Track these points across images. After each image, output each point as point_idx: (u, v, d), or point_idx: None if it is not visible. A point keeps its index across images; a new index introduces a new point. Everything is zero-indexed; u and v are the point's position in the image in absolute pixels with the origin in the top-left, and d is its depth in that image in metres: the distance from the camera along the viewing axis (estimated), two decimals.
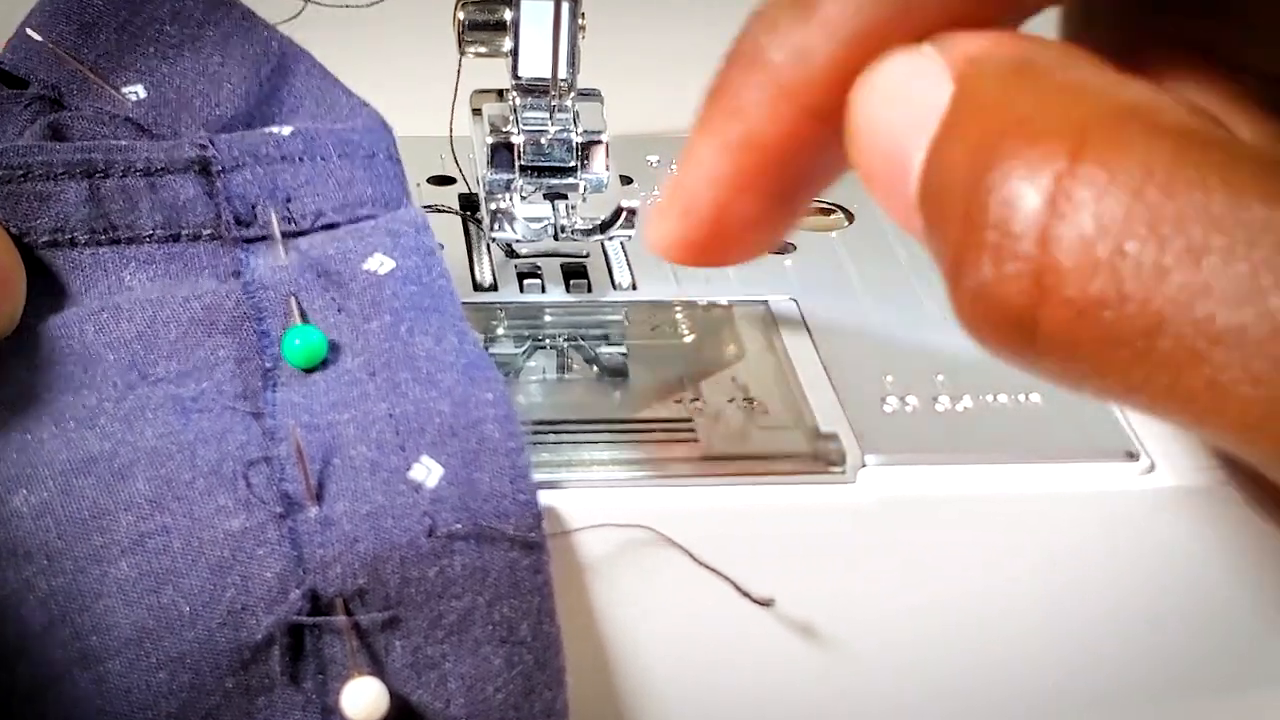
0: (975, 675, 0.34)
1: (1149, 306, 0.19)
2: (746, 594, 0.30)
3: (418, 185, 0.41)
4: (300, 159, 0.33)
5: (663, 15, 0.54)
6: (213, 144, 0.33)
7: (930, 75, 0.22)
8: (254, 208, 0.33)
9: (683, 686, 0.33)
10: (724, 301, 0.37)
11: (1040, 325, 0.20)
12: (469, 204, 0.40)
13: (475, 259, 0.38)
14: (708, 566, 0.30)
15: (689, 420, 0.33)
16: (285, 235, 0.32)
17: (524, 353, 0.35)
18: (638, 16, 0.53)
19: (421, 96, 0.38)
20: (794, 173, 0.26)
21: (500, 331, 0.36)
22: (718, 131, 0.26)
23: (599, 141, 0.37)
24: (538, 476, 0.31)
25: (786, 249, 0.39)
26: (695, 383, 0.34)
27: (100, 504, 0.28)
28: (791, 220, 0.28)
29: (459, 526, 0.28)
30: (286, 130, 0.33)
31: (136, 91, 0.34)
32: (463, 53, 0.36)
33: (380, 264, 0.32)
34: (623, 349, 0.35)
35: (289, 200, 0.33)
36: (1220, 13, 0.24)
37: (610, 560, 0.31)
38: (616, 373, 0.35)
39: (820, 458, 0.32)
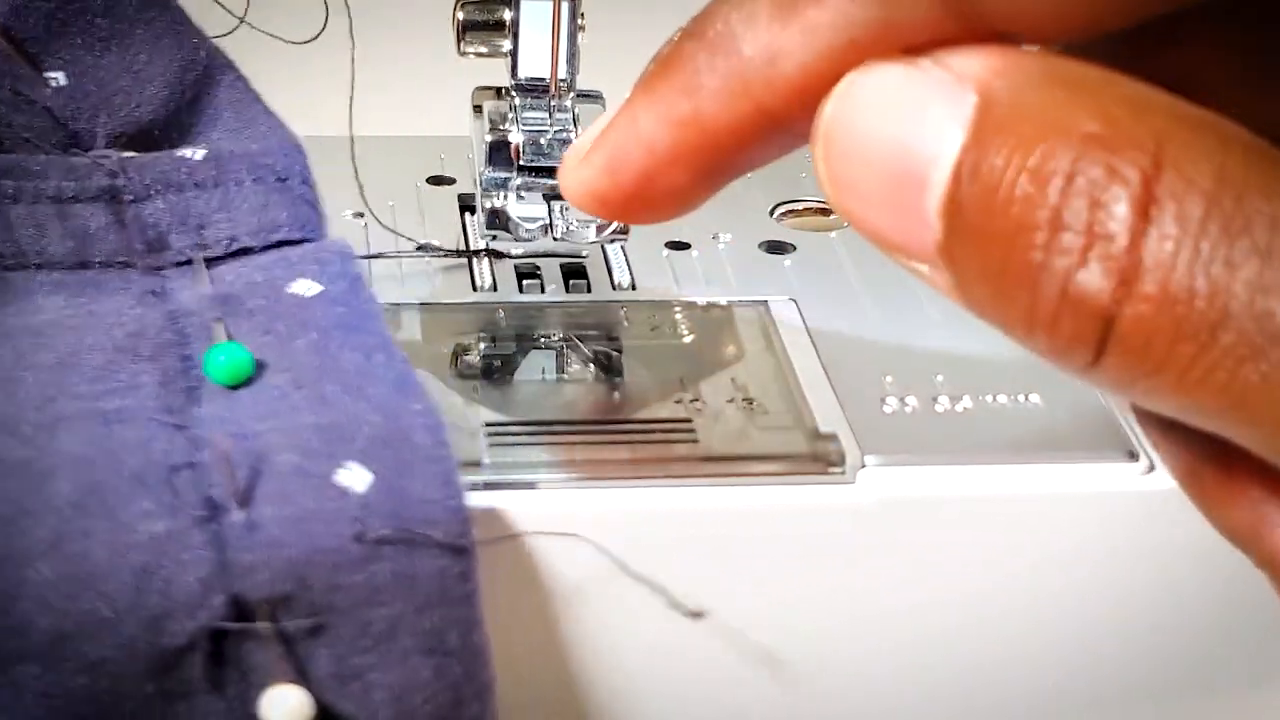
0: (975, 675, 0.34)
1: (1216, 302, 0.20)
2: (677, 606, 0.30)
3: (417, 185, 0.41)
4: (213, 185, 0.33)
5: (663, 15, 0.54)
6: (124, 171, 0.32)
7: (941, 87, 0.22)
8: (166, 235, 0.32)
9: (676, 690, 0.33)
10: (723, 302, 0.37)
11: (1117, 323, 0.20)
12: (469, 204, 0.40)
13: (474, 259, 0.38)
14: (639, 577, 0.30)
15: (688, 420, 0.33)
16: (204, 261, 0.32)
17: (523, 353, 0.35)
18: (638, 16, 0.53)
19: (421, 96, 0.38)
20: (731, 158, 0.26)
21: (500, 331, 0.36)
22: (666, 103, 0.26)
23: None
24: (538, 477, 0.31)
25: (786, 249, 0.39)
26: (694, 383, 0.34)
27: (21, 506, 0.27)
28: (711, 193, 0.28)
29: (387, 531, 0.27)
30: (199, 154, 0.33)
31: (57, 78, 0.34)
32: (462, 53, 0.36)
33: (307, 288, 0.32)
34: (622, 349, 0.35)
35: (202, 227, 0.33)
36: (1212, 59, 0.25)
37: (582, 565, 0.31)
38: (615, 373, 0.35)
39: (820, 458, 0.32)
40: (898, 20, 0.23)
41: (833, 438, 0.32)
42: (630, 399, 0.34)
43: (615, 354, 0.35)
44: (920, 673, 0.33)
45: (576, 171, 0.27)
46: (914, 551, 0.32)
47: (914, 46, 0.23)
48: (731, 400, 0.34)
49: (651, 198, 0.27)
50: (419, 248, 0.38)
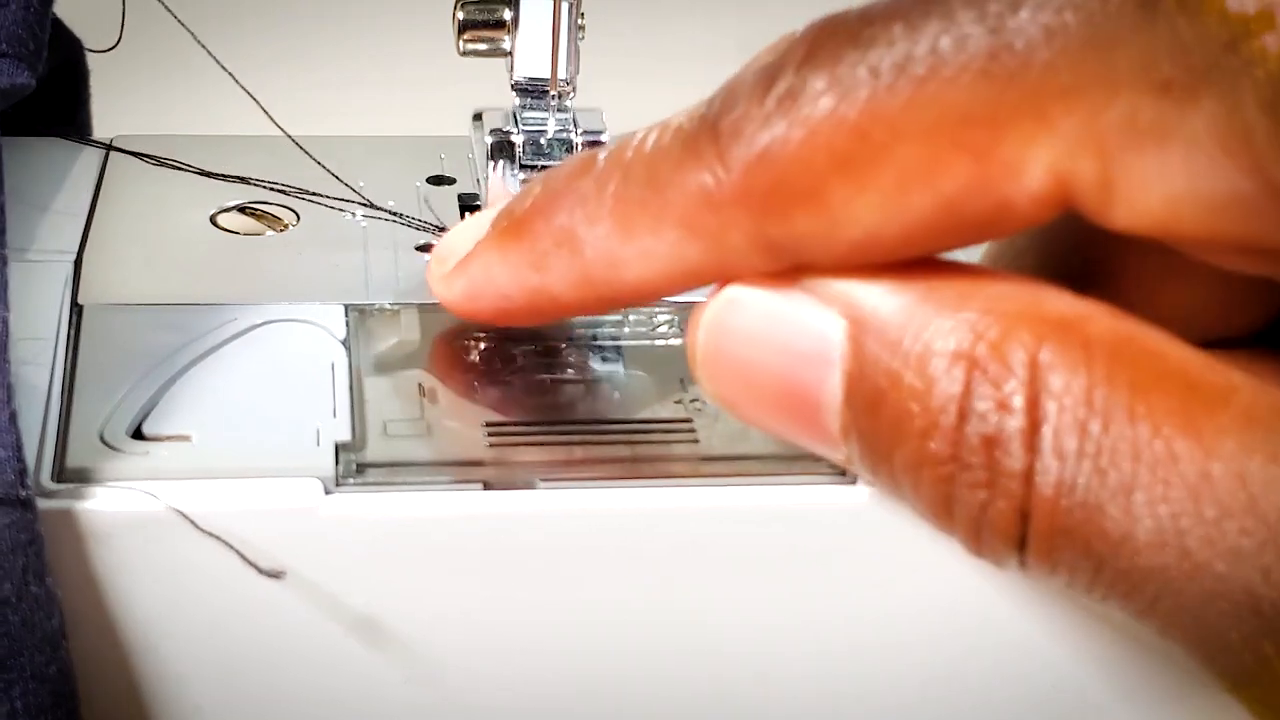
0: (974, 675, 0.34)
1: (1095, 534, 0.21)
2: (254, 565, 0.29)
3: (417, 185, 0.41)
4: None
5: (663, 15, 0.54)
6: None
7: (809, 311, 0.23)
8: None
9: (675, 691, 0.33)
10: None
11: (1027, 544, 0.22)
12: (469, 204, 0.40)
13: None
14: (212, 535, 0.29)
15: (689, 420, 0.33)
16: None
17: (523, 353, 0.35)
18: (638, 16, 0.53)
19: (420, 97, 0.38)
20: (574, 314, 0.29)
21: (500, 331, 0.35)
22: (518, 271, 0.27)
23: (599, 142, 0.37)
24: (538, 477, 0.31)
25: None
26: (695, 383, 0.34)
27: None
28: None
29: None
30: None
31: None
32: (462, 52, 0.36)
33: None
34: (622, 349, 0.35)
35: None
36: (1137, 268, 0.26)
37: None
38: (615, 373, 0.35)
39: (820, 458, 0.32)
40: (730, 264, 0.24)
41: None
42: (630, 399, 0.34)
43: (615, 354, 0.35)
44: (920, 672, 0.33)
45: (442, 283, 0.29)
46: (915, 552, 0.32)
47: (747, 273, 0.25)
48: None
49: (512, 321, 0.29)
50: (419, 248, 0.38)
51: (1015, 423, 0.21)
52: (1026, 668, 0.34)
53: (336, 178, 0.39)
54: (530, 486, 0.31)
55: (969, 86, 0.21)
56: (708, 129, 0.24)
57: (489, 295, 0.28)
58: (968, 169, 0.22)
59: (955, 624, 0.33)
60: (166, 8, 0.37)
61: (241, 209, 0.39)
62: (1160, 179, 0.21)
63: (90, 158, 0.41)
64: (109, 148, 0.41)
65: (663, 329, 0.36)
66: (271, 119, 0.38)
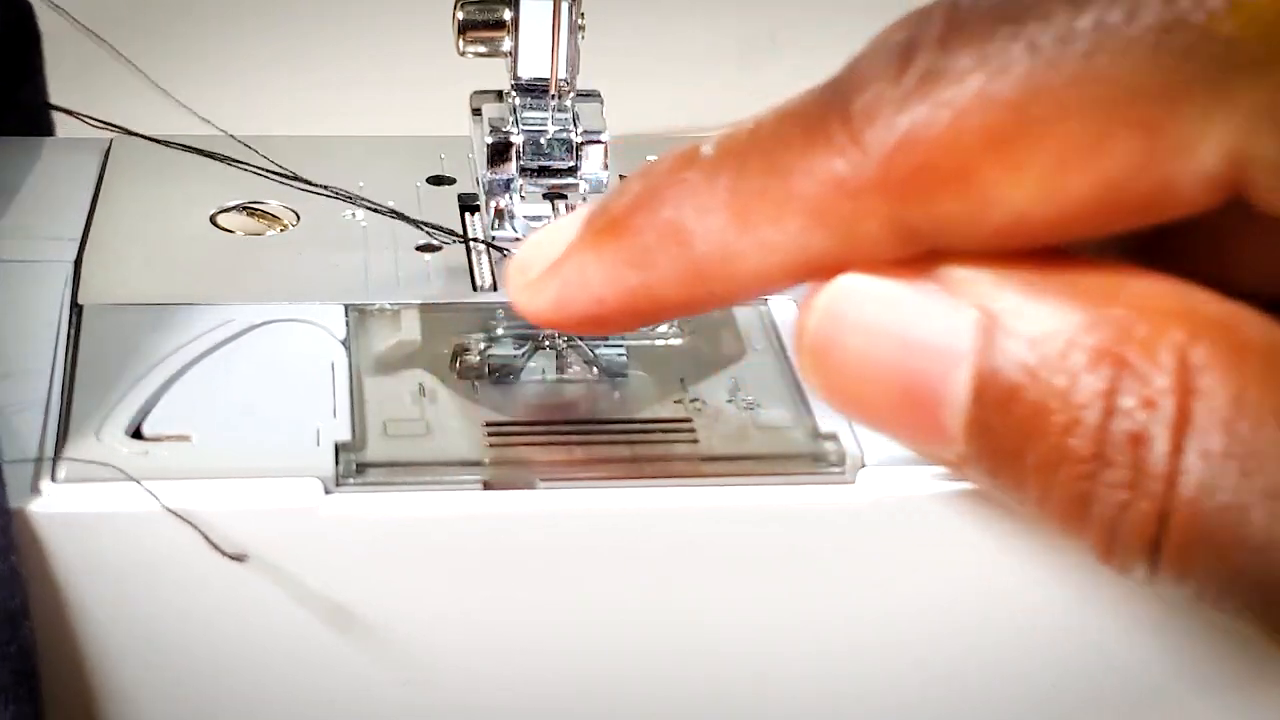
0: (975, 675, 0.34)
1: (1233, 541, 0.21)
2: (217, 548, 0.29)
3: (417, 185, 0.41)
4: None
5: (663, 15, 0.54)
6: None
7: (936, 302, 0.22)
8: None
9: (674, 691, 0.33)
10: None
11: (1161, 549, 0.21)
12: (469, 204, 0.40)
13: (474, 259, 0.38)
14: (175, 514, 0.29)
15: (689, 420, 0.33)
16: None
17: (524, 353, 0.35)
18: (638, 16, 0.53)
19: (420, 97, 0.38)
20: (681, 315, 0.28)
21: (500, 332, 0.36)
22: (616, 271, 0.26)
23: (599, 141, 0.37)
24: (539, 477, 0.31)
25: None
26: (695, 383, 0.34)
27: None
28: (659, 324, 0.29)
29: None
30: None
31: None
32: (462, 53, 0.36)
33: None
34: (622, 349, 0.35)
35: None
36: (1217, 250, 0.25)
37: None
38: (616, 373, 0.35)
39: (820, 458, 0.32)
40: (858, 252, 0.23)
41: (833, 438, 0.32)
42: (630, 399, 0.34)
43: (615, 354, 0.35)
44: (920, 672, 0.33)
45: (527, 292, 0.28)
46: (914, 552, 0.32)
47: (881, 262, 0.23)
48: (731, 400, 0.34)
49: (600, 329, 0.28)
50: (419, 248, 0.38)
51: (1162, 421, 0.20)
52: (1026, 667, 0.34)
53: (327, 191, 0.39)
54: (530, 486, 0.31)
55: (1141, 59, 0.20)
56: (837, 112, 0.23)
57: (582, 300, 0.27)
58: (1136, 145, 0.21)
59: (955, 624, 0.33)
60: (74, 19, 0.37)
61: (241, 209, 0.39)
62: None
63: (90, 158, 0.41)
64: (120, 130, 0.41)
65: (663, 329, 0.36)
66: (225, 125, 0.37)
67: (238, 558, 0.30)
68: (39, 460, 0.30)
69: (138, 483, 0.29)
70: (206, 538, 0.29)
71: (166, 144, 0.40)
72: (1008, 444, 0.22)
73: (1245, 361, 0.20)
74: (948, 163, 0.22)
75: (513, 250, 0.37)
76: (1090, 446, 0.21)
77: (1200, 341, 0.20)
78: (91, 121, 0.38)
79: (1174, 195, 0.21)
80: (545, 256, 0.28)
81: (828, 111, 0.23)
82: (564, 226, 0.28)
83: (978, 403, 0.22)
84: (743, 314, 0.36)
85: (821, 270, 0.24)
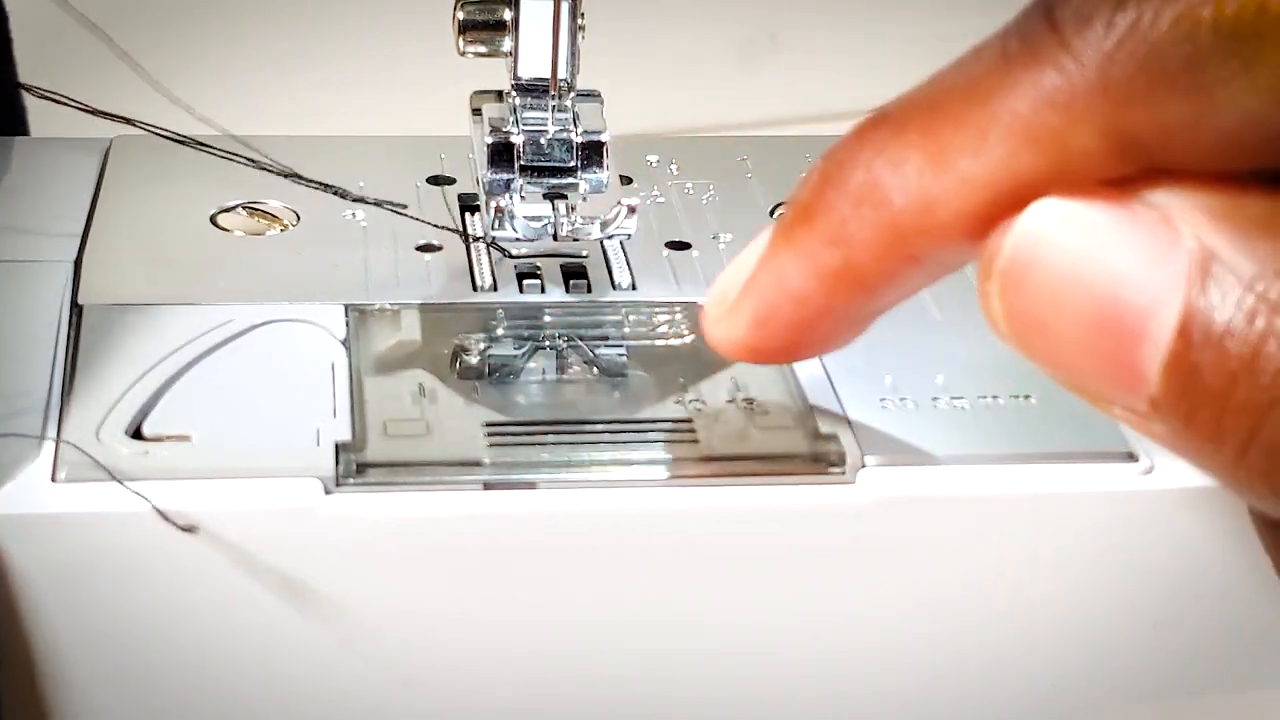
0: (975, 675, 0.34)
1: None
2: (170, 520, 0.29)
3: (417, 185, 0.41)
4: None
5: (663, 15, 0.54)
6: None
7: (1150, 230, 0.21)
8: None
9: (673, 691, 0.33)
10: None
11: None
12: (469, 204, 0.40)
13: (474, 259, 0.38)
14: (134, 491, 0.29)
15: (689, 420, 0.33)
16: None
17: (524, 354, 0.35)
18: (638, 16, 0.53)
19: (420, 96, 0.38)
20: (884, 302, 0.26)
21: (500, 332, 0.36)
22: (812, 256, 0.25)
23: (599, 141, 0.37)
24: (538, 477, 0.31)
25: None
26: (695, 383, 0.34)
27: None
28: (861, 331, 0.27)
29: None
30: None
31: None
32: (462, 53, 0.36)
33: None
34: (622, 349, 0.35)
35: None
36: None
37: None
38: (616, 373, 0.35)
39: (820, 458, 0.32)
40: (1068, 169, 0.22)
41: (833, 438, 0.32)
42: (631, 399, 0.34)
43: (615, 354, 0.35)
44: (920, 672, 0.33)
45: (724, 323, 0.27)
46: (914, 551, 0.32)
47: (1087, 184, 0.22)
48: (731, 400, 0.34)
49: (799, 346, 0.27)
50: (419, 248, 0.38)
51: None
52: (1026, 667, 0.34)
53: (316, 183, 0.39)
54: (530, 486, 0.31)
55: None
56: (1042, 24, 0.22)
57: (782, 307, 0.26)
58: None
59: (955, 623, 0.33)
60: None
61: (242, 209, 0.39)
62: None
63: (90, 158, 0.41)
64: (94, 112, 0.41)
65: (663, 329, 0.36)
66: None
67: (188, 529, 0.29)
68: (38, 460, 0.30)
69: (120, 482, 0.29)
70: (157, 509, 0.29)
71: (158, 132, 0.40)
72: (1212, 385, 0.20)
73: None
74: (1174, 58, 0.20)
75: (513, 250, 0.38)
76: None
77: None
78: (67, 101, 0.38)
79: None
80: (738, 281, 0.27)
81: (1030, 29, 0.22)
82: (754, 246, 0.27)
83: (1183, 339, 0.20)
84: None
85: (1028, 194, 0.22)
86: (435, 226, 0.38)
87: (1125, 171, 0.22)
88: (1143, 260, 0.21)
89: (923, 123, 0.23)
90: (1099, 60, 0.21)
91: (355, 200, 0.38)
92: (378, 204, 0.38)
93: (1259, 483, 0.20)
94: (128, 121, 0.38)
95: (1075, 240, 0.22)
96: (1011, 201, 0.22)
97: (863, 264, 0.24)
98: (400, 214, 0.38)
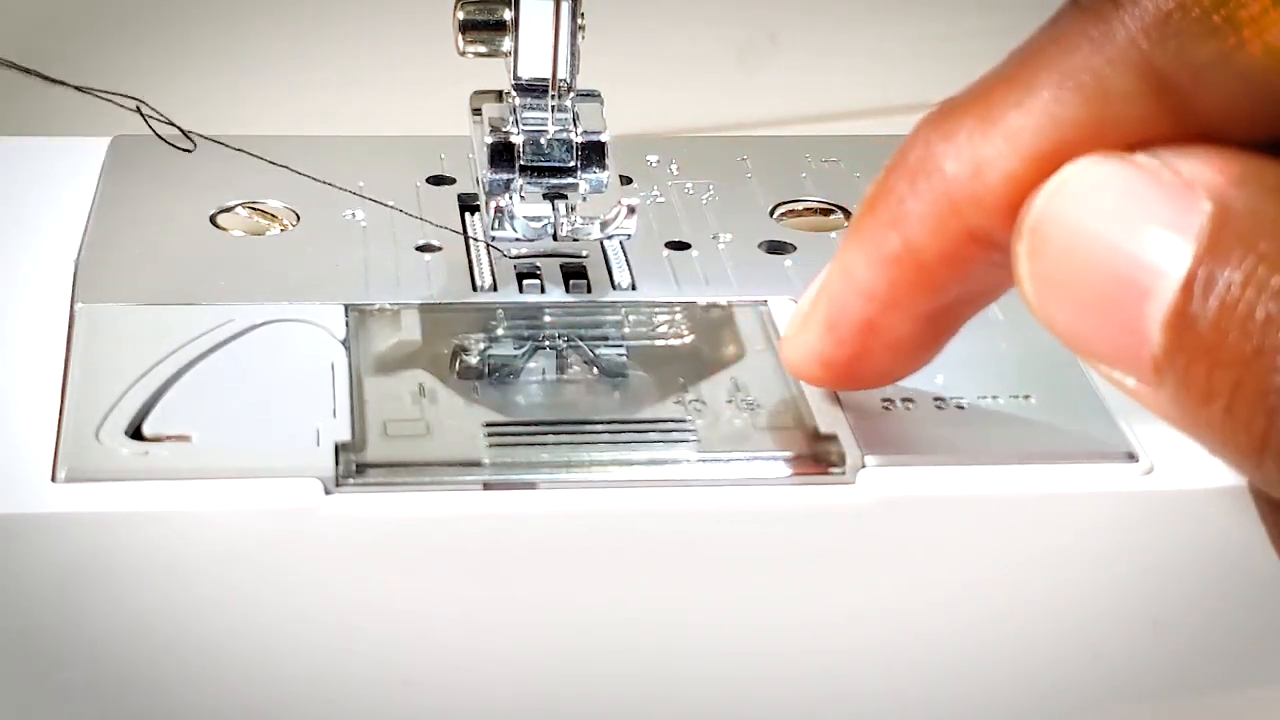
0: (975, 675, 0.34)
1: None
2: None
3: (417, 185, 0.41)
4: None
5: (663, 15, 0.54)
6: None
7: (1170, 191, 0.21)
8: None
9: (674, 691, 0.33)
10: (724, 302, 0.37)
11: None
12: (469, 204, 0.40)
13: (474, 259, 0.38)
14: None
15: (689, 420, 0.33)
16: None
17: (524, 354, 0.35)
18: (638, 16, 0.53)
19: (420, 96, 0.38)
20: (948, 294, 0.25)
21: (500, 332, 0.36)
22: (874, 242, 0.25)
23: (599, 141, 0.37)
24: (538, 477, 0.31)
25: (786, 249, 0.39)
26: (695, 383, 0.34)
27: None
28: (936, 347, 0.27)
29: None
30: None
31: None
32: (462, 53, 0.36)
33: None
34: (622, 349, 0.35)
35: None
36: None
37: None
38: (616, 373, 0.35)
39: (820, 458, 0.32)
40: (1108, 118, 0.22)
41: (833, 438, 0.32)
42: (630, 399, 0.34)
43: (615, 354, 0.35)
44: (920, 672, 0.33)
45: (798, 339, 0.27)
46: (914, 551, 0.32)
47: (1128, 143, 0.22)
48: (731, 400, 0.34)
49: (873, 354, 0.26)
50: (419, 248, 0.38)
51: None
52: (1026, 667, 0.34)
53: (333, 186, 0.39)
54: (530, 486, 0.31)
55: None
56: None
57: (851, 304, 0.26)
58: None
59: (955, 623, 0.33)
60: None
61: (242, 208, 0.39)
62: None
63: (90, 158, 0.41)
64: (135, 108, 0.41)
65: (663, 329, 0.36)
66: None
67: None
68: (38, 460, 0.30)
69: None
70: None
71: (159, 116, 0.40)
72: (1206, 338, 0.20)
73: None
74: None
75: (512, 250, 0.38)
76: None
77: None
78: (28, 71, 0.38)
79: None
80: (812, 293, 0.27)
81: None
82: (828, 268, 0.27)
83: (1185, 294, 0.21)
84: (742, 314, 0.36)
85: (1075, 145, 0.22)
86: (435, 226, 0.38)
87: (1162, 125, 0.22)
88: (1160, 218, 0.21)
89: (979, 90, 0.23)
90: (1139, 7, 0.21)
91: (357, 195, 0.38)
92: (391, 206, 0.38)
93: (1243, 436, 0.20)
94: (137, 102, 0.37)
95: (1098, 197, 0.22)
96: (1057, 151, 0.23)
97: (920, 244, 0.24)
98: (402, 211, 0.38)
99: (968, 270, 0.25)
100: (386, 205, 0.38)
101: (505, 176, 0.36)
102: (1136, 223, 0.21)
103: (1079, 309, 0.22)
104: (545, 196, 0.36)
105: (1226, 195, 0.21)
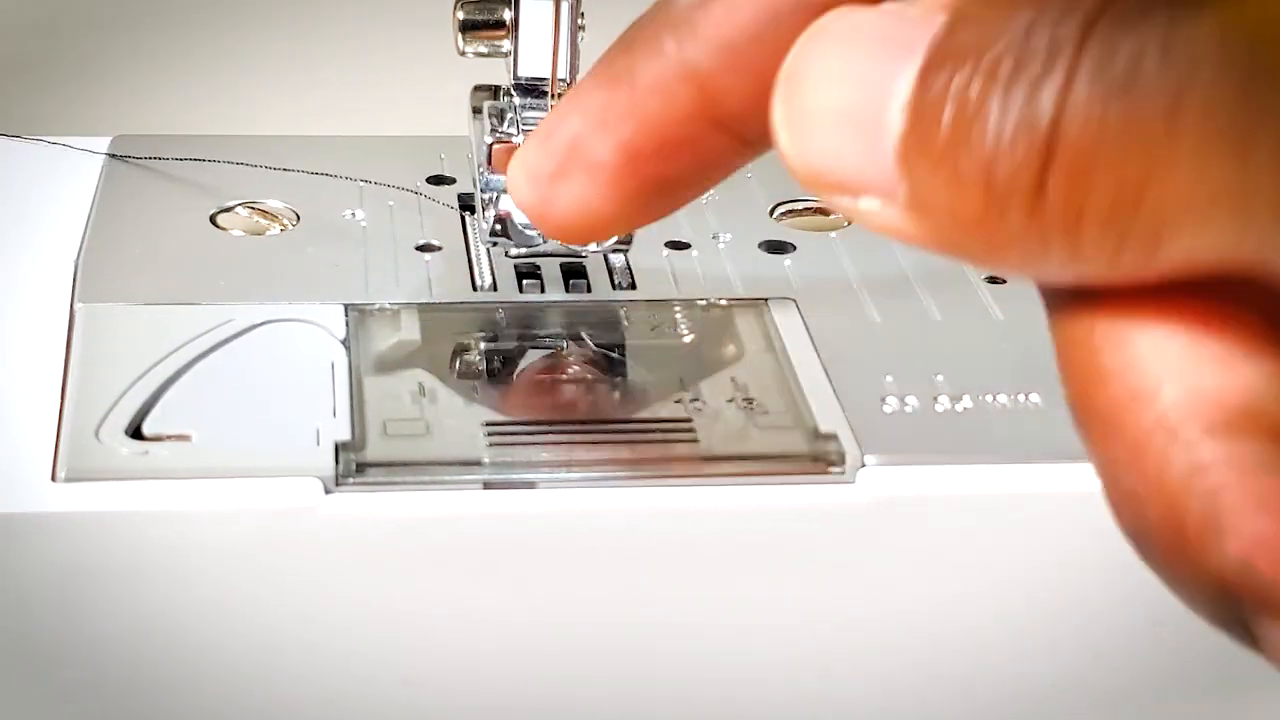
0: (974, 675, 0.34)
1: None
2: None
3: (417, 185, 0.41)
4: None
5: None
6: None
7: (903, 13, 0.22)
8: None
9: (675, 690, 0.33)
10: (723, 301, 0.37)
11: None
12: (469, 204, 0.40)
13: (474, 259, 0.38)
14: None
15: (689, 420, 0.33)
16: None
17: (523, 353, 0.35)
18: (637, 17, 0.53)
19: (420, 96, 0.38)
20: (654, 134, 0.25)
21: (500, 331, 0.36)
22: (613, 72, 0.26)
23: None
24: (538, 477, 0.31)
25: (786, 249, 0.39)
26: (695, 383, 0.34)
27: None
28: (635, 210, 0.27)
29: None
30: None
31: None
32: (461, 53, 0.36)
33: None
34: (622, 349, 0.35)
35: None
36: None
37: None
38: (616, 373, 0.35)
39: (820, 458, 0.32)
40: None
41: (833, 438, 0.32)
42: (630, 399, 0.34)
43: (615, 354, 0.35)
44: (920, 672, 0.33)
45: (522, 149, 0.26)
46: (914, 551, 0.32)
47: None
48: (731, 400, 0.34)
49: (572, 173, 0.26)
50: (419, 248, 0.38)
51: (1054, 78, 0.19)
52: (1026, 667, 0.34)
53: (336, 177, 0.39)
54: (530, 486, 0.31)
55: None
56: None
57: (567, 124, 0.26)
58: None
59: (955, 623, 0.33)
60: None
61: (241, 208, 0.39)
62: None
63: (91, 158, 0.41)
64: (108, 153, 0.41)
65: (663, 329, 0.36)
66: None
67: None
68: (39, 460, 0.30)
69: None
70: None
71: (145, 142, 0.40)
72: (939, 147, 0.21)
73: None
74: None
75: (512, 250, 0.38)
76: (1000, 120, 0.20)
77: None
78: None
79: None
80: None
81: None
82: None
83: (920, 84, 0.21)
84: (743, 314, 0.36)
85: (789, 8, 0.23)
86: (445, 205, 0.38)
87: None
88: (899, 34, 0.21)
89: None
90: None
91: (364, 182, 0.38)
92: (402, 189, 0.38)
93: (976, 237, 0.21)
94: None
95: (849, 37, 0.22)
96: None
97: (645, 82, 0.25)
98: (408, 190, 0.38)
99: (676, 106, 0.25)
100: (407, 190, 0.38)
101: (505, 176, 0.36)
102: (874, 48, 0.22)
103: (829, 140, 0.22)
104: None
105: (956, 9, 0.21)
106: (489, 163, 0.35)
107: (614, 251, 0.37)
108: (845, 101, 0.22)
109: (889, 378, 0.34)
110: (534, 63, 0.36)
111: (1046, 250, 0.20)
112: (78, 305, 0.35)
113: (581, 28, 0.36)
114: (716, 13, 0.25)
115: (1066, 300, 0.22)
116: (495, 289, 0.37)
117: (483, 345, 0.35)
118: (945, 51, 0.21)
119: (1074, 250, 0.20)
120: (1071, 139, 0.20)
